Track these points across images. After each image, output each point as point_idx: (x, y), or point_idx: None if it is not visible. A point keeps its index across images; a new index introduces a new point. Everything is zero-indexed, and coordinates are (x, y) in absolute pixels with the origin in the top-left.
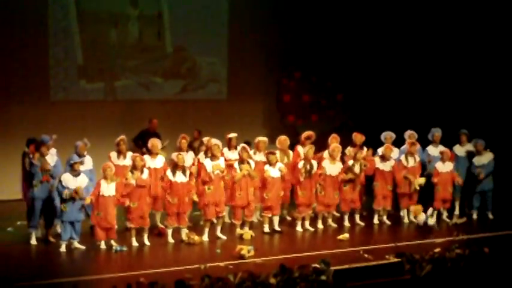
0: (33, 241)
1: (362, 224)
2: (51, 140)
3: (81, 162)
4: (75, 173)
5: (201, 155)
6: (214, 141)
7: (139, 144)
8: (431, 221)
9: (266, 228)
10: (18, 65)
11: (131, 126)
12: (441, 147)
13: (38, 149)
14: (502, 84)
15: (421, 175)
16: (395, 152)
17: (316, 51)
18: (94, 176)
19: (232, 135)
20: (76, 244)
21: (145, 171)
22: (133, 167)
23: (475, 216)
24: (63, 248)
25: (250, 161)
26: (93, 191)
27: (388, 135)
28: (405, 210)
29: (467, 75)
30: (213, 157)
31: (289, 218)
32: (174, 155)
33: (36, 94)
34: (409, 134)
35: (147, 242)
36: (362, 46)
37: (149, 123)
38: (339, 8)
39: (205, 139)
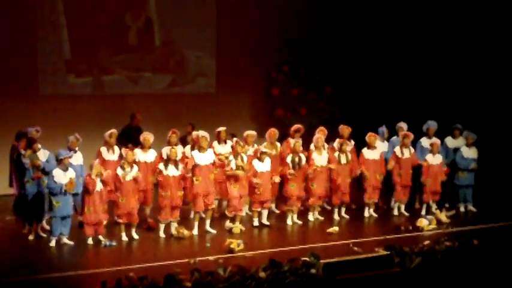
0: (31, 237)
1: (347, 216)
2: (35, 131)
3: (70, 157)
4: (64, 168)
5: (187, 148)
6: (202, 133)
7: (124, 142)
8: (443, 216)
9: (255, 222)
10: (6, 60)
11: (119, 121)
12: (433, 140)
13: (30, 146)
14: (490, 78)
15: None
16: (385, 144)
17: (304, 44)
18: (84, 171)
19: (222, 128)
20: (65, 239)
21: (135, 167)
22: (126, 163)
23: (462, 209)
24: (53, 243)
25: (243, 155)
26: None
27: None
28: (397, 203)
29: (457, 68)
30: (201, 149)
31: (277, 211)
32: (167, 149)
33: (24, 88)
34: (399, 127)
35: (135, 236)
36: (351, 39)
37: (132, 118)
38: (327, 1)
39: (194, 133)
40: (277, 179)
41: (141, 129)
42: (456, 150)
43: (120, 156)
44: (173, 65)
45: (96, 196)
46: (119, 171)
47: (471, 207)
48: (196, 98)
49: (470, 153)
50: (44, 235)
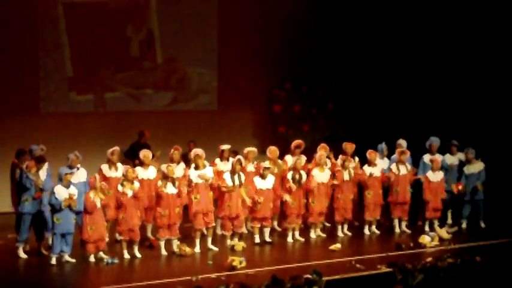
0: (22, 254)
1: (349, 234)
2: (39, 149)
3: (71, 173)
4: (66, 184)
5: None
6: (196, 151)
7: (131, 157)
8: (443, 233)
9: (257, 239)
10: (8, 77)
11: (122, 138)
12: (434, 157)
13: (40, 164)
14: (493, 94)
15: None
16: (385, 161)
17: (306, 62)
18: (88, 188)
19: (226, 147)
20: (67, 257)
21: (136, 183)
22: (125, 179)
23: (464, 225)
24: (53, 261)
25: (241, 173)
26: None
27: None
28: (397, 220)
29: (458, 84)
30: (197, 167)
31: (279, 229)
32: (164, 167)
33: (26, 106)
34: (398, 144)
35: (138, 254)
36: (352, 56)
37: (140, 136)
38: (329, 18)
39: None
40: (288, 198)
41: (150, 147)
42: (459, 162)
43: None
44: (175, 82)
45: (96, 213)
46: (120, 188)
47: (482, 224)
48: (198, 115)
49: (471, 169)
50: (46, 253)
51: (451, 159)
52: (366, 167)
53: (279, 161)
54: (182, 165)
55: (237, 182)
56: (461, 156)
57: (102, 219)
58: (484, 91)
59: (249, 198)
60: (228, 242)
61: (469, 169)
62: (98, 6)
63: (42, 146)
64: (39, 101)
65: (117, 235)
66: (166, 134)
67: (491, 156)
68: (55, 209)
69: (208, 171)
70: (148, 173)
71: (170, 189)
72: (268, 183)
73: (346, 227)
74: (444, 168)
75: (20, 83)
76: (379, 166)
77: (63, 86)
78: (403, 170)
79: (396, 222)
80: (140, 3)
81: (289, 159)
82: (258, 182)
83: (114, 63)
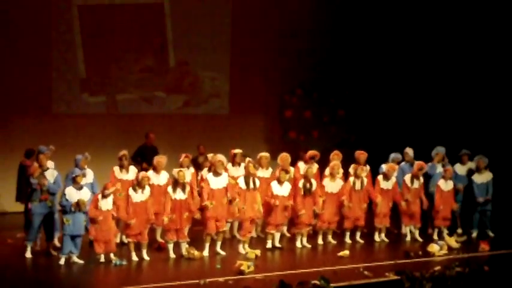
0: (28, 254)
1: (362, 241)
2: (48, 150)
3: (83, 175)
4: (78, 186)
5: (205, 171)
6: (219, 157)
7: (139, 161)
8: (452, 242)
9: (269, 244)
10: (21, 78)
11: (133, 140)
12: (446, 166)
13: (37, 160)
14: (503, 104)
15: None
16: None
17: (318, 68)
18: (96, 189)
19: (237, 151)
20: (75, 258)
21: (147, 188)
22: (138, 185)
23: (474, 234)
24: (62, 262)
25: (256, 179)
26: (91, 206)
27: (395, 158)
28: (407, 228)
29: (470, 92)
30: (216, 173)
31: (288, 234)
32: (175, 172)
33: (38, 106)
34: (406, 152)
35: (146, 257)
36: (364, 62)
37: (146, 137)
38: (341, 24)
39: (209, 155)
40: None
41: (157, 149)
42: (468, 171)
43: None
44: (187, 85)
45: (107, 214)
46: (131, 192)
47: (490, 233)
48: (210, 119)
49: (481, 178)
50: (55, 253)
51: (461, 169)
52: (380, 179)
53: (291, 167)
54: (191, 170)
55: (251, 186)
56: (471, 165)
57: (110, 221)
58: (496, 102)
59: (262, 204)
60: (241, 247)
61: (478, 178)
62: (111, 8)
63: (52, 147)
64: (51, 101)
65: (123, 237)
66: (177, 137)
67: (499, 166)
68: (65, 210)
69: (224, 178)
70: (159, 178)
71: (179, 194)
72: (284, 190)
73: (358, 234)
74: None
75: (32, 84)
76: (393, 179)
77: (76, 87)
78: (416, 184)
79: (408, 229)
80: (154, 6)
81: (301, 166)
82: (275, 187)
83: (127, 66)
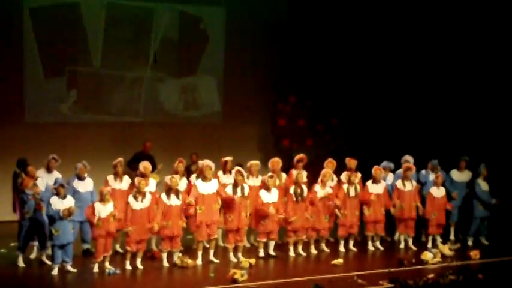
0: (20, 263)
1: (355, 249)
2: (53, 160)
3: (62, 186)
4: (61, 196)
5: (193, 177)
6: (206, 162)
7: (134, 167)
8: (446, 249)
9: (261, 253)
10: (13, 85)
11: (126, 149)
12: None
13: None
14: (498, 111)
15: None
16: (389, 177)
17: (311, 76)
18: (95, 197)
19: (228, 158)
20: (69, 267)
21: (148, 195)
22: (138, 192)
23: (470, 242)
24: (55, 272)
25: (245, 185)
26: (88, 214)
27: (387, 167)
28: (402, 236)
29: (464, 100)
30: (204, 178)
31: (279, 242)
32: (167, 178)
33: (28, 115)
34: (405, 159)
35: (140, 266)
36: (357, 71)
37: (143, 146)
38: (333, 33)
39: (200, 162)
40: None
41: (153, 158)
42: (469, 181)
43: (132, 185)
44: (180, 94)
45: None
46: (131, 200)
47: (484, 241)
48: (203, 127)
49: (485, 186)
50: (49, 262)
51: (458, 175)
52: (369, 184)
53: (282, 173)
54: (184, 179)
55: (239, 194)
56: (468, 173)
57: (110, 225)
58: (490, 109)
59: (250, 212)
60: (232, 256)
61: (484, 186)
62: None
63: (55, 156)
64: (42, 109)
65: (117, 246)
66: (170, 145)
67: (494, 173)
68: (53, 219)
69: (213, 184)
70: (149, 185)
71: (174, 200)
72: (273, 196)
73: (351, 242)
74: (449, 183)
75: (22, 92)
76: (382, 183)
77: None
78: (409, 186)
79: (402, 238)
80: (148, 15)
81: (295, 173)
82: (264, 195)
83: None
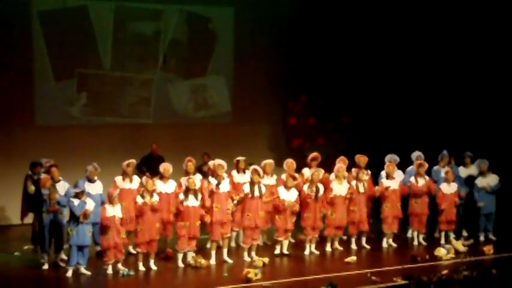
0: (46, 265)
1: (368, 247)
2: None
3: (82, 192)
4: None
5: (211, 179)
6: (218, 161)
7: (143, 170)
8: (459, 245)
9: (277, 251)
10: (20, 89)
11: (137, 150)
12: (447, 168)
13: (50, 172)
14: (505, 106)
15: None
16: (399, 173)
17: (321, 75)
18: (104, 200)
19: (240, 158)
20: (83, 269)
21: (155, 196)
22: (145, 190)
23: (482, 238)
24: (69, 274)
25: (262, 185)
26: (102, 215)
27: (392, 159)
28: (415, 232)
29: (472, 97)
30: (217, 177)
31: (292, 240)
32: (184, 180)
33: (38, 117)
34: (417, 156)
35: (153, 267)
36: (367, 70)
37: (150, 148)
38: (344, 32)
39: (210, 163)
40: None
41: (163, 159)
42: (470, 178)
43: (140, 185)
44: (189, 94)
45: (113, 222)
46: (139, 199)
47: (491, 236)
48: (213, 128)
49: (485, 181)
50: (63, 265)
51: (464, 172)
52: (384, 180)
53: (296, 174)
54: (198, 176)
55: (256, 193)
56: (473, 168)
57: (118, 229)
58: (498, 106)
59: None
60: (245, 255)
61: (481, 182)
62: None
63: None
64: (52, 112)
65: (130, 248)
66: (180, 146)
67: (504, 169)
68: (73, 215)
69: (226, 183)
70: (166, 186)
71: (192, 201)
72: (291, 195)
73: (364, 239)
74: (458, 180)
75: (33, 95)
76: (397, 179)
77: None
78: (421, 182)
79: (415, 234)
80: (156, 16)
81: (306, 171)
82: (282, 192)
83: (127, 74)
